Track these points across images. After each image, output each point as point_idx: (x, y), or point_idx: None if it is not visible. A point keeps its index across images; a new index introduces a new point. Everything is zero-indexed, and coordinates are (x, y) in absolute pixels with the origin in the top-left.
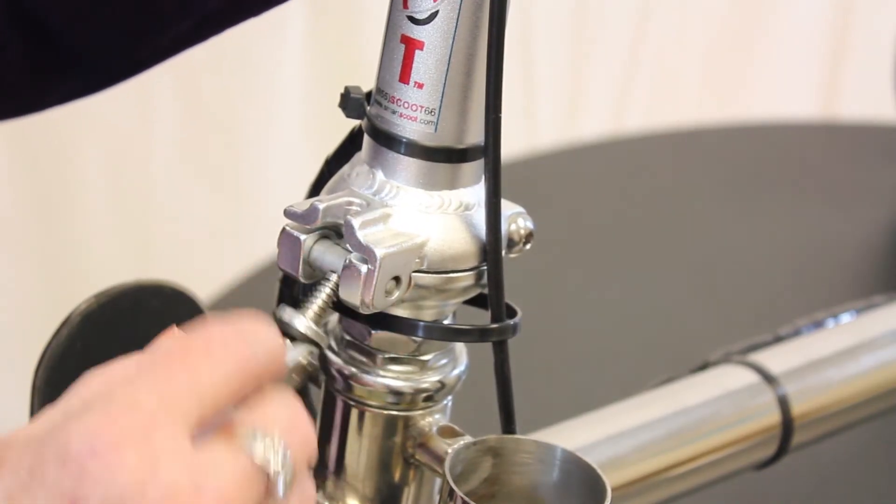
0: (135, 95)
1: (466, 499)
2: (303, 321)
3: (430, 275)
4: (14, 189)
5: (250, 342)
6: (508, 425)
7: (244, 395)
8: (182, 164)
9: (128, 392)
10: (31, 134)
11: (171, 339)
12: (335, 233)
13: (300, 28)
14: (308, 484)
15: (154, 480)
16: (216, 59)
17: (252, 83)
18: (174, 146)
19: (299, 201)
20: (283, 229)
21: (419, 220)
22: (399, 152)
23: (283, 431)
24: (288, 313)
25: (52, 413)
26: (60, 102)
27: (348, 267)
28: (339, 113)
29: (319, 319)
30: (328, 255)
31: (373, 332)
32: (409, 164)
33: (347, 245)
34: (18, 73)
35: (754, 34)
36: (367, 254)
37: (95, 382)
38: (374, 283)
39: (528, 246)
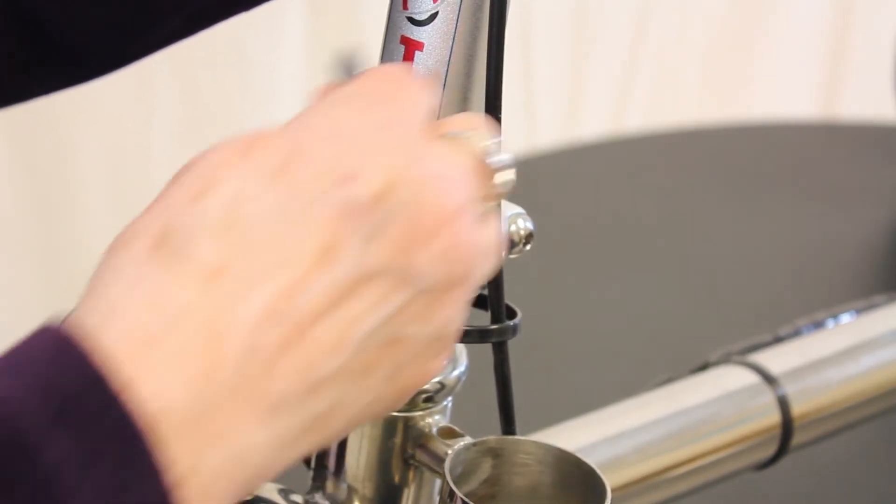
0: (134, 94)
1: (466, 500)
2: None
3: None
4: (13, 189)
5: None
6: (508, 426)
7: None
8: (181, 163)
9: (371, 88)
10: (30, 133)
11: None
12: None
13: (299, 26)
14: None
15: (422, 158)
16: (215, 58)
17: (251, 82)
18: (173, 145)
19: None
20: None
21: None
22: None
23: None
24: None
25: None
26: (48, 92)
27: None
28: None
29: None
30: None
31: None
32: None
33: None
34: (9, 62)
35: (754, 34)
36: None
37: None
38: None
39: (528, 247)
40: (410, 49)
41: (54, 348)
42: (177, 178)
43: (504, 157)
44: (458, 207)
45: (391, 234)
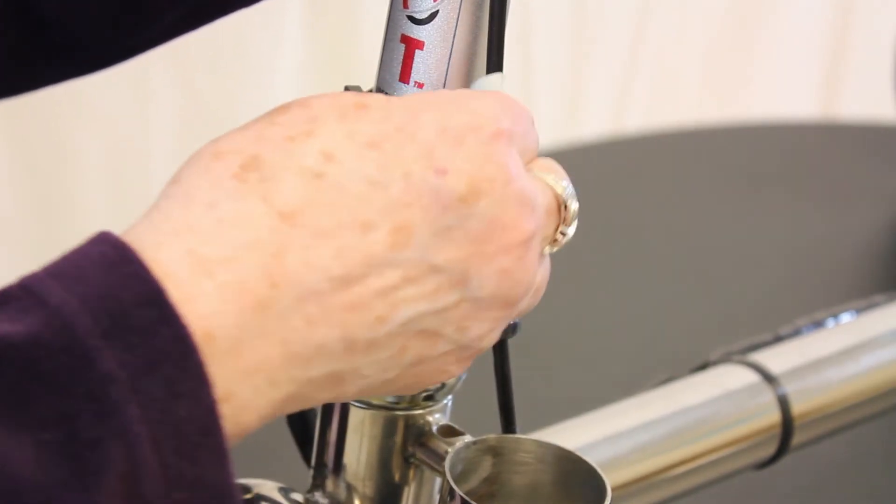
0: (133, 94)
1: (466, 498)
2: None
3: None
4: (13, 188)
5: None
6: (508, 425)
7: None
8: (180, 161)
9: (486, 103)
10: (29, 133)
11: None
12: None
13: (298, 26)
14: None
15: (515, 183)
16: (214, 58)
17: (250, 82)
18: (172, 145)
19: None
20: None
21: None
22: None
23: (566, 181)
24: None
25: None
26: (47, 84)
27: None
28: None
29: None
30: None
31: None
32: None
33: None
34: (10, 56)
35: (754, 34)
36: None
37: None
38: None
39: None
40: (411, 48)
41: (113, 258)
42: (272, 114)
43: (575, 206)
44: (531, 236)
45: (463, 237)
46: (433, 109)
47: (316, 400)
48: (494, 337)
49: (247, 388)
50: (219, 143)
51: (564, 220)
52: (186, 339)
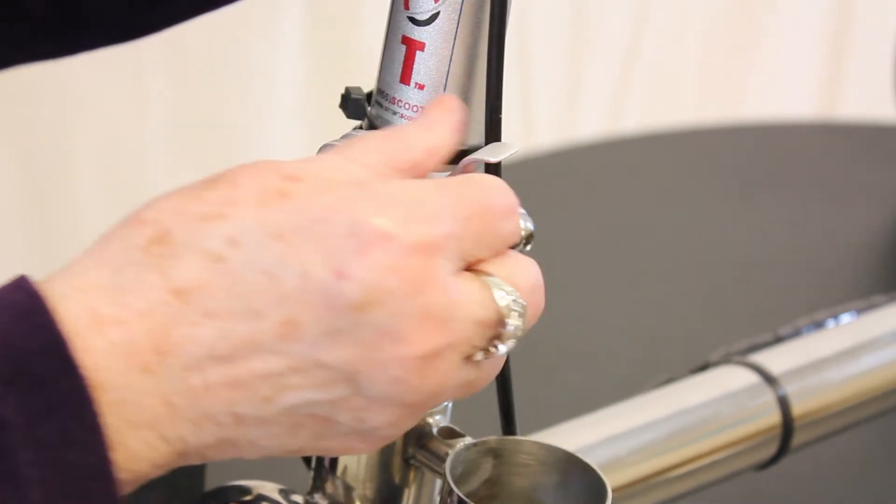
0: (129, 93)
1: (467, 500)
2: None
3: None
4: (11, 187)
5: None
6: (509, 426)
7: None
8: (178, 162)
9: (430, 197)
10: (26, 132)
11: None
12: None
13: (297, 26)
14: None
15: (420, 297)
16: (212, 57)
17: (249, 81)
18: (170, 144)
19: None
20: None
21: None
22: None
23: (525, 293)
24: None
25: (341, 169)
26: (48, 58)
27: None
28: (337, 112)
29: None
30: None
31: None
32: None
33: None
34: (37, 23)
35: (753, 33)
36: None
37: (382, 163)
38: None
39: (528, 247)
40: (412, 49)
41: (26, 306)
42: (205, 184)
43: (514, 325)
44: (433, 351)
45: (352, 341)
46: (352, 209)
47: (215, 458)
48: (403, 426)
49: (136, 440)
50: (145, 210)
51: (499, 336)
52: (83, 388)
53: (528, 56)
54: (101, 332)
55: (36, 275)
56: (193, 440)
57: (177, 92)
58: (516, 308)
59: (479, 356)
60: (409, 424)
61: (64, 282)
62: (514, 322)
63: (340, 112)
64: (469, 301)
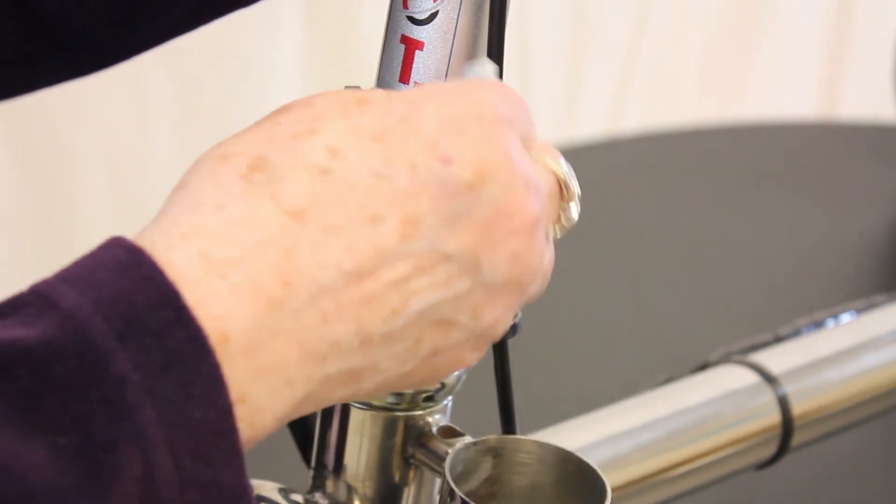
0: (133, 94)
1: (466, 499)
2: None
3: None
4: (13, 187)
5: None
6: (508, 425)
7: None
8: (180, 163)
9: (487, 91)
10: (30, 132)
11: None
12: None
13: (297, 25)
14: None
15: (520, 167)
16: (214, 59)
17: (250, 82)
18: (172, 144)
19: None
20: None
21: None
22: None
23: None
24: None
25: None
26: (49, 84)
27: None
28: None
29: None
30: None
31: None
32: None
33: None
34: (9, 55)
35: (754, 33)
36: None
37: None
38: None
39: None
40: (411, 48)
41: (126, 262)
42: (275, 114)
43: (576, 186)
44: (538, 219)
45: (472, 224)
46: (433, 101)
47: (333, 399)
48: (508, 323)
49: (263, 388)
50: (224, 146)
51: (566, 199)
52: (201, 340)
53: (529, 56)
54: (220, 276)
55: (38, 277)
56: (319, 376)
57: (177, 92)
58: (570, 171)
59: (552, 233)
60: (511, 319)
61: (162, 232)
62: (574, 184)
63: None
64: (542, 172)
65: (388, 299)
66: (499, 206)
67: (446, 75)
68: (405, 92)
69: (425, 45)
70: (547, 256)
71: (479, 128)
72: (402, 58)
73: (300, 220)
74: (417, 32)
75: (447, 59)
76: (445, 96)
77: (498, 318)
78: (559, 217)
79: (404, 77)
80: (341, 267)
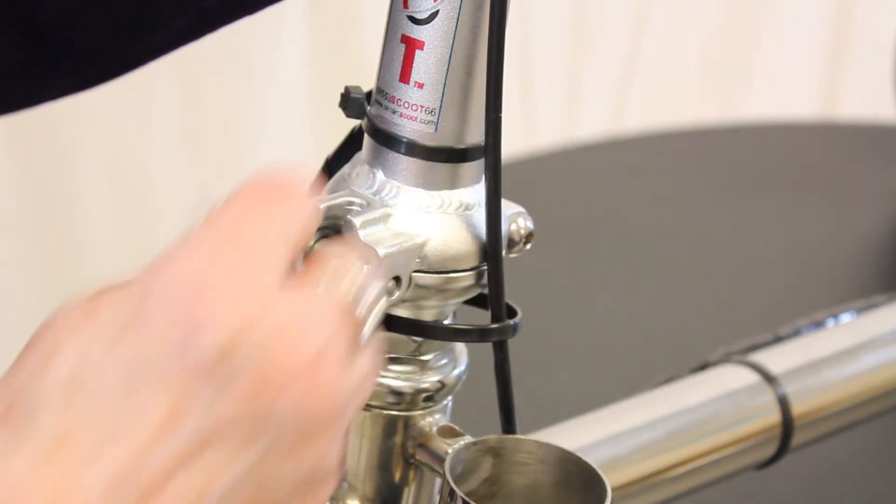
0: (135, 95)
1: (466, 499)
2: None
3: (430, 275)
4: (14, 188)
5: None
6: (509, 425)
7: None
8: (182, 163)
9: (226, 229)
10: (31, 133)
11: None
12: (335, 232)
13: (300, 27)
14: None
15: (263, 323)
16: (216, 59)
17: (252, 82)
18: (174, 145)
19: None
20: None
21: (419, 220)
22: (399, 152)
23: (358, 278)
24: None
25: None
26: (54, 98)
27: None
28: (340, 113)
29: None
30: None
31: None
32: (409, 164)
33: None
34: (12, 69)
35: (754, 34)
36: None
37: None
38: None
39: (528, 246)
40: (411, 48)
41: None
42: (29, 344)
43: (376, 289)
44: (315, 354)
45: (239, 387)
46: (172, 266)
47: None
48: (337, 450)
49: None
50: None
51: (365, 309)
52: None
53: (529, 56)
54: None
55: (40, 279)
56: None
57: (180, 94)
58: (366, 281)
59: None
60: (338, 446)
61: None
62: (370, 292)
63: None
64: (314, 298)
65: (183, 494)
66: (261, 359)
67: (447, 75)
68: (146, 267)
69: (426, 44)
70: (350, 375)
71: (221, 280)
72: (402, 57)
73: (58, 452)
74: (418, 32)
75: (447, 58)
76: (186, 253)
77: (321, 453)
78: (358, 328)
79: (404, 77)
80: (114, 486)
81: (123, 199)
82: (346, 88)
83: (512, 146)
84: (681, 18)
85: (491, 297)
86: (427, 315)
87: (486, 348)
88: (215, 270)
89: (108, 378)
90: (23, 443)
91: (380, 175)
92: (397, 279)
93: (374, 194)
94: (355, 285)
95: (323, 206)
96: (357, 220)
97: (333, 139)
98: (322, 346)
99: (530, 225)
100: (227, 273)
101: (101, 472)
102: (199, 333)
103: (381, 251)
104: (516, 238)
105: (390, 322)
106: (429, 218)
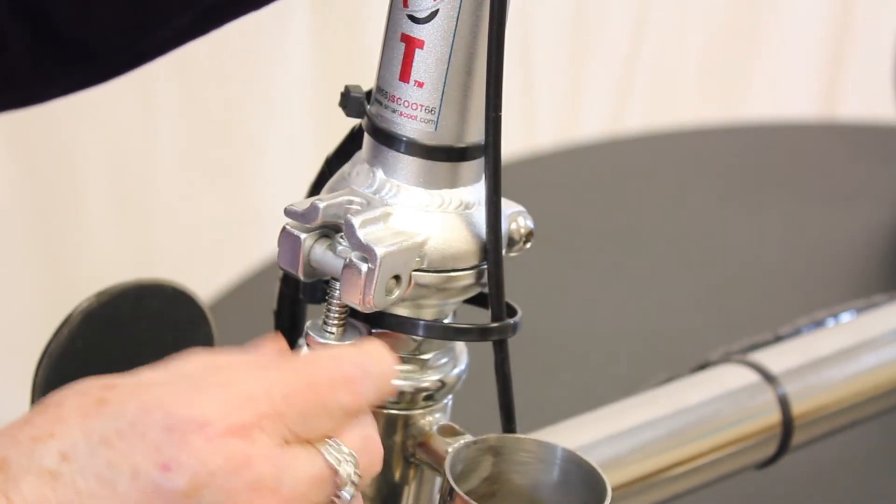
0: (137, 95)
1: (466, 497)
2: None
3: (430, 274)
4: (16, 188)
5: (368, 375)
6: (509, 424)
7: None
8: (183, 164)
9: (244, 381)
10: (33, 133)
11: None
12: (335, 231)
13: (302, 27)
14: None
15: (245, 471)
16: (218, 59)
17: (253, 83)
18: (176, 145)
19: (300, 200)
20: (284, 228)
21: (419, 219)
22: (399, 151)
23: (358, 450)
24: (316, 330)
25: (161, 372)
26: (63, 94)
27: (349, 266)
28: (341, 112)
29: (343, 333)
30: (328, 254)
31: (373, 331)
32: (409, 163)
33: (348, 244)
34: (21, 65)
35: (754, 34)
36: (367, 253)
37: (200, 360)
38: (374, 281)
39: (528, 245)
40: (411, 47)
41: None
42: (33, 412)
43: (349, 473)
44: None
45: None
46: (166, 404)
47: None
48: None
49: None
50: None
51: (337, 485)
52: None
53: (530, 56)
54: None
55: (42, 279)
56: None
57: (183, 95)
58: (344, 457)
59: None
60: None
61: None
62: (346, 469)
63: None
64: (297, 463)
65: None
66: None
67: (446, 74)
68: (152, 386)
69: (425, 43)
70: None
71: (204, 437)
72: (402, 56)
73: None
74: (417, 31)
75: (447, 57)
76: (177, 401)
77: None
78: (331, 498)
79: (404, 76)
80: None
81: (124, 200)
82: (346, 87)
83: (512, 146)
84: (681, 18)
85: (491, 296)
86: (427, 314)
87: (486, 348)
88: (201, 426)
89: (88, 475)
90: (6, 496)
91: (380, 174)
92: (397, 278)
93: (374, 193)
94: (343, 460)
95: (322, 205)
96: (357, 220)
97: (334, 138)
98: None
99: (530, 224)
100: (210, 433)
101: None
102: (167, 471)
103: (381, 250)
104: (516, 237)
105: (391, 321)
106: (429, 217)
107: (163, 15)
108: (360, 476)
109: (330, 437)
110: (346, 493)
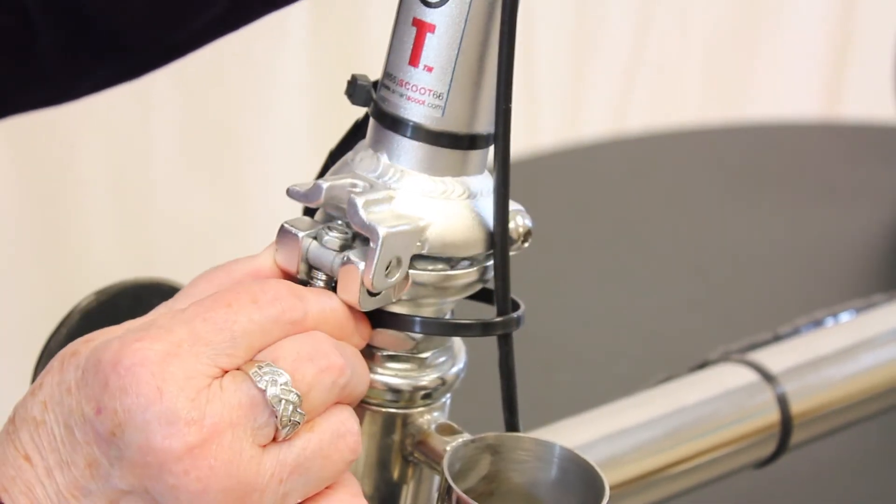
0: (135, 94)
1: (465, 496)
2: None
3: (429, 272)
4: (16, 188)
5: (304, 301)
6: (512, 419)
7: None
8: (183, 163)
9: (166, 320)
10: (33, 134)
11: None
12: (336, 219)
13: (301, 26)
14: (344, 415)
15: (156, 404)
16: (217, 59)
17: (253, 82)
18: (175, 144)
19: (302, 181)
20: (282, 227)
21: (422, 205)
22: (405, 135)
23: (293, 362)
24: None
25: (138, 321)
26: (94, 90)
27: (346, 263)
28: (341, 112)
29: None
30: (326, 252)
31: (373, 330)
32: (414, 148)
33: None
34: (52, 59)
35: (756, 34)
36: (369, 232)
37: (163, 307)
38: (374, 261)
39: (526, 244)
40: (422, 31)
41: None
42: (48, 368)
43: (287, 401)
44: (185, 449)
45: (129, 464)
46: (102, 352)
47: None
48: None
49: None
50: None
51: (273, 411)
52: None
53: (532, 56)
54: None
55: (42, 279)
56: None
57: (181, 95)
58: (275, 378)
59: (285, 432)
60: None
61: None
62: (273, 392)
63: (344, 115)
64: (219, 391)
65: None
66: (140, 446)
67: (456, 59)
68: (111, 337)
69: (437, 27)
70: (261, 464)
71: (123, 376)
72: (412, 40)
73: (30, 462)
74: (429, 15)
75: (458, 42)
76: (121, 342)
77: None
78: (276, 426)
79: (414, 60)
80: (67, 494)
81: (123, 199)
82: (353, 76)
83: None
84: (683, 18)
85: (497, 290)
86: (426, 312)
87: (485, 346)
88: (113, 365)
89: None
90: (10, 450)
91: (384, 159)
92: (398, 260)
93: (378, 178)
94: (278, 385)
95: (326, 185)
96: (360, 200)
97: (334, 138)
98: (207, 437)
99: (529, 223)
100: (121, 370)
101: (51, 488)
102: (101, 413)
103: (384, 230)
104: (515, 236)
105: (390, 319)
106: (432, 203)
107: (195, 5)
108: (299, 397)
109: (264, 361)
110: (279, 415)
